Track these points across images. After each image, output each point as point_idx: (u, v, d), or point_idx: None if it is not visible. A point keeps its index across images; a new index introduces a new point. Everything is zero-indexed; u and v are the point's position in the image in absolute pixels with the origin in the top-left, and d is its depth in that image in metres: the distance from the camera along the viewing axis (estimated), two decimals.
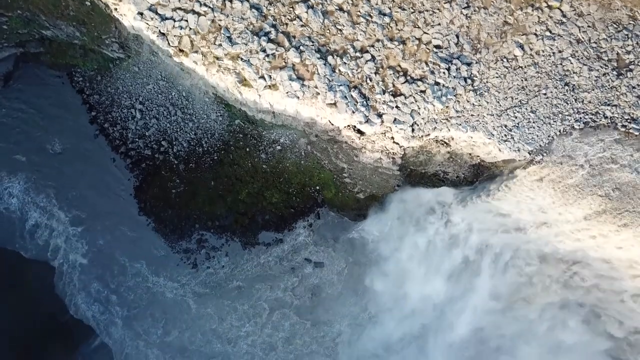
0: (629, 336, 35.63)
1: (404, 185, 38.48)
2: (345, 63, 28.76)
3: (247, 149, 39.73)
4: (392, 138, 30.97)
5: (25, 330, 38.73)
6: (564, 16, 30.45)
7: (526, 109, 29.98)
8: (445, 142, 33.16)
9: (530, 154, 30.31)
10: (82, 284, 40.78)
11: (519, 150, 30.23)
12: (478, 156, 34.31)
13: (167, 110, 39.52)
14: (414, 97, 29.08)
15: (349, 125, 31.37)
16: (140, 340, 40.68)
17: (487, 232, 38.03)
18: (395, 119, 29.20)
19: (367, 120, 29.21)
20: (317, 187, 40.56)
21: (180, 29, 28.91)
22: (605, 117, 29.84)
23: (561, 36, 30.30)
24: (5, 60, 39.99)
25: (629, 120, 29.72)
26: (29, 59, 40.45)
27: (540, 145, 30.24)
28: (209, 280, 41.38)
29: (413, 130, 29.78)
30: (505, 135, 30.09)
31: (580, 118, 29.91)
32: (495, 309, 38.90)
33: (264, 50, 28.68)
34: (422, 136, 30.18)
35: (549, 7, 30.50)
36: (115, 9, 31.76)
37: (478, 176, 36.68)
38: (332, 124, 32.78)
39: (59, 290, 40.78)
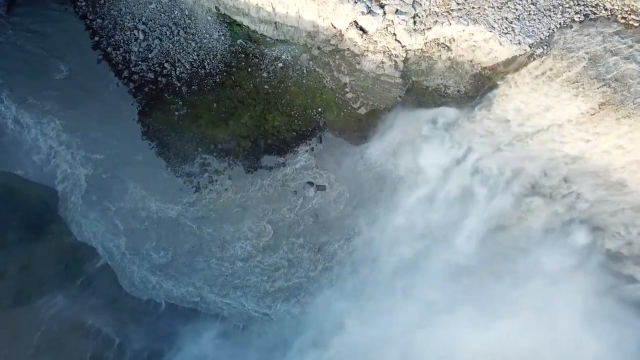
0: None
1: (406, 104, 38.79)
2: None
3: (249, 69, 39.99)
4: (394, 34, 31.21)
5: (31, 250, 38.91)
6: None
7: (527, 1, 30.24)
8: (446, 46, 33.44)
9: (530, 47, 30.58)
10: (84, 207, 40.94)
11: (519, 43, 30.50)
12: (479, 64, 34.60)
13: (169, 30, 39.81)
14: None
15: (351, 24, 31.60)
16: (142, 261, 40.83)
17: (488, 149, 38.20)
18: (397, 10, 29.46)
19: (370, 11, 29.47)
20: (319, 109, 40.76)
21: None
22: (605, 9, 30.10)
23: None
24: None
25: (628, 12, 29.96)
26: None
27: (540, 39, 30.52)
28: (212, 203, 41.50)
29: (415, 22, 30.04)
30: (506, 28, 30.37)
31: (581, 10, 30.19)
32: (495, 228, 39.05)
33: None
34: (423, 30, 30.42)
35: None
36: None
37: (479, 90, 36.98)
38: (335, 27, 33.06)
39: (62, 212, 40.91)
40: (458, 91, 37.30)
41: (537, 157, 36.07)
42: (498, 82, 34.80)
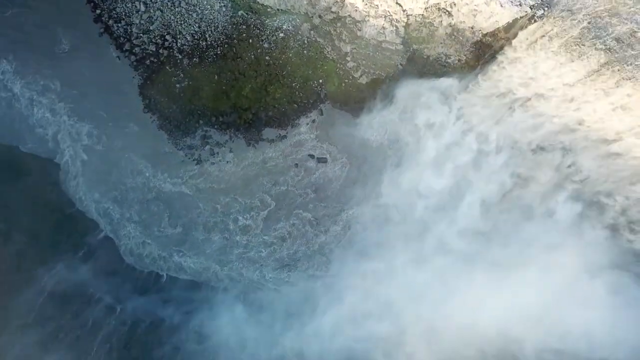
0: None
1: (407, 74, 38.92)
2: None
3: (250, 40, 40.10)
4: None
5: (33, 220, 39.00)
6: None
7: None
8: (447, 11, 33.55)
9: (531, 8, 30.69)
10: (86, 180, 41.02)
11: (520, 4, 30.64)
12: (480, 30, 34.73)
13: (171, 2, 39.91)
14: None
15: None
16: (143, 233, 40.90)
17: (488, 120, 38.34)
18: None
19: None
20: (320, 80, 40.83)
21: None
22: None
23: None
24: None
25: None
26: None
27: (541, 0, 30.60)
28: (214, 176, 41.59)
29: None
30: None
31: None
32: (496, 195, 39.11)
33: None
34: None
35: None
36: None
37: (480, 58, 37.13)
38: None
39: (64, 185, 40.98)
40: (459, 60, 37.43)
41: (534, 134, 36.22)
42: (499, 52, 34.92)
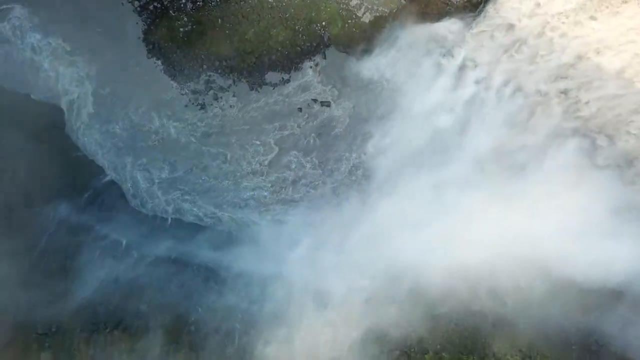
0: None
1: (409, 15, 38.73)
2: None
3: None
4: None
5: (39, 163, 39.36)
6: None
7: None
8: None
9: None
10: (90, 125, 41.41)
11: None
12: None
13: None
14: None
15: None
16: (148, 178, 41.21)
17: (494, 58, 38.09)
18: None
19: None
20: (324, 23, 40.66)
21: None
22: None
23: None
24: None
25: None
26: None
27: None
28: (218, 120, 41.68)
29: None
30: None
31: None
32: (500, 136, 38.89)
33: None
34: None
35: None
36: None
37: None
38: None
39: (69, 130, 41.31)
40: None
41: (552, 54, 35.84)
42: None
